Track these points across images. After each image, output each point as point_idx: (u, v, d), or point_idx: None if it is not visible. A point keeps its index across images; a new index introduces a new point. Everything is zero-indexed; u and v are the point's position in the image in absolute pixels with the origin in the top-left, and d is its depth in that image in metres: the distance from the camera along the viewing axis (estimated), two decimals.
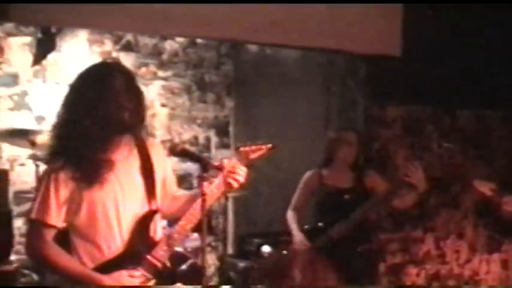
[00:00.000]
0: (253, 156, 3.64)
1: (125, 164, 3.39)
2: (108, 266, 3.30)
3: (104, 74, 3.34)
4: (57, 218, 3.26)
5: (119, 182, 3.34)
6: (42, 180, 3.32)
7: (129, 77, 3.38)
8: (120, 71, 3.38)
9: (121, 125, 3.28)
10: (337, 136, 5.65)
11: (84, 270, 3.29)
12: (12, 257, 5.57)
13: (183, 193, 3.75)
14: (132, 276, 3.32)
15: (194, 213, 3.44)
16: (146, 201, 3.43)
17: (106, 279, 3.26)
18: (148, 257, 3.37)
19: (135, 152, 3.44)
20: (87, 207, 3.29)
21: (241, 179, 3.50)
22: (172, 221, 3.61)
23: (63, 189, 3.25)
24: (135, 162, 3.43)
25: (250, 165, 3.61)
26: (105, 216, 3.31)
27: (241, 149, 3.65)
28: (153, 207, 3.45)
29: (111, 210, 3.32)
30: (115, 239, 3.33)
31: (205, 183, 3.24)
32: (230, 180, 3.48)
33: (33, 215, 3.28)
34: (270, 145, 3.70)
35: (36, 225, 3.29)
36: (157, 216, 3.49)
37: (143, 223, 3.40)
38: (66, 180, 3.25)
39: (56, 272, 3.37)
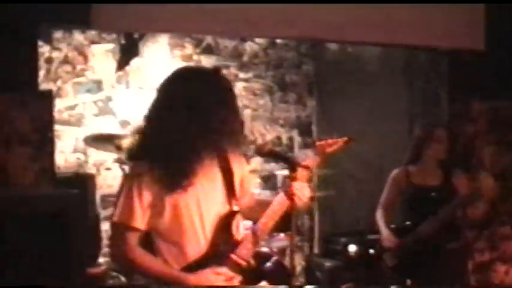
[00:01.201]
0: (329, 149, 3.63)
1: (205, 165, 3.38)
2: (194, 267, 3.30)
3: (204, 79, 3.32)
4: (141, 220, 3.26)
5: (200, 183, 3.32)
6: (125, 183, 3.33)
7: (226, 87, 3.36)
8: (217, 79, 3.36)
9: (216, 137, 3.27)
10: (426, 133, 5.55)
11: (171, 271, 3.30)
12: (101, 260, 5.68)
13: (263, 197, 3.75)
14: (218, 274, 3.31)
15: (275, 211, 3.44)
16: (226, 201, 3.42)
17: (192, 278, 3.27)
18: (233, 256, 3.37)
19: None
20: (171, 211, 3.28)
21: (306, 194, 3.38)
22: (255, 220, 3.60)
23: (146, 192, 3.24)
24: (214, 163, 3.41)
25: (326, 158, 3.60)
26: (189, 218, 3.31)
27: (318, 143, 3.67)
28: (234, 206, 3.44)
29: (195, 212, 3.32)
30: (199, 240, 3.33)
31: (294, 183, 3.26)
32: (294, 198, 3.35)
33: (116, 218, 3.29)
34: (345, 138, 3.67)
35: (119, 229, 3.29)
36: (239, 216, 3.49)
37: (225, 223, 3.39)
38: (150, 184, 3.24)
39: (141, 274, 3.40)
